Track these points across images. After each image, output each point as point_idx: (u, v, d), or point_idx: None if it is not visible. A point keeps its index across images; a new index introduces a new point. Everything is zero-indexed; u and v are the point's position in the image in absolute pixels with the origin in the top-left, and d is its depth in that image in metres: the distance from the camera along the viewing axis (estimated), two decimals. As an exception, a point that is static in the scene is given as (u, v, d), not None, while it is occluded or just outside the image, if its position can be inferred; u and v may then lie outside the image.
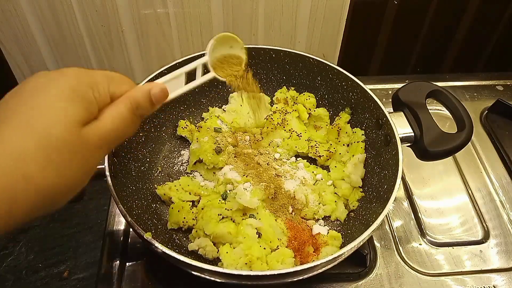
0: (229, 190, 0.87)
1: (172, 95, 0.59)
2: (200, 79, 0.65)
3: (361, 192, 0.90)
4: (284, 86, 1.06)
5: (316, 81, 1.02)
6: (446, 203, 1.00)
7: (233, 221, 0.84)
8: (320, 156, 0.96)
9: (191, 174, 0.96)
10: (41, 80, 0.46)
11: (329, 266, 0.70)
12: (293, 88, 1.06)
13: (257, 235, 0.81)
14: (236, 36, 0.68)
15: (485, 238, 0.94)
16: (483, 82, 1.29)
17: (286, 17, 1.16)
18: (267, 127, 0.98)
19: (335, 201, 0.90)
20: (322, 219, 0.90)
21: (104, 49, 1.18)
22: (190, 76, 0.64)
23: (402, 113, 0.87)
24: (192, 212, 0.86)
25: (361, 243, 0.70)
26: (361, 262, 0.89)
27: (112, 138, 0.48)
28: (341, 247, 0.82)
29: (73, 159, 0.43)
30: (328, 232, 0.85)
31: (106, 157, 0.76)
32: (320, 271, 0.70)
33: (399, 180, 0.76)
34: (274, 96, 1.07)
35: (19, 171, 0.40)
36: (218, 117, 1.02)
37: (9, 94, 0.45)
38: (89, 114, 0.46)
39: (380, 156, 0.89)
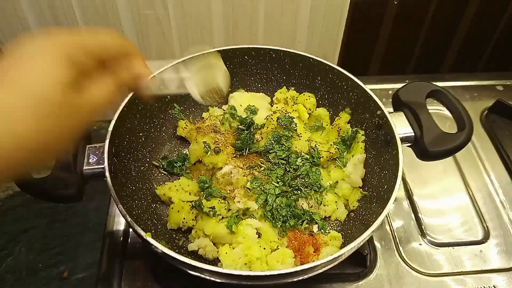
0: (229, 191, 0.87)
1: (157, 91, 0.60)
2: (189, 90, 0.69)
3: (361, 192, 0.90)
4: (284, 86, 1.06)
5: (316, 81, 1.02)
6: (446, 203, 1.00)
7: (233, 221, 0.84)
8: (320, 157, 0.96)
9: (191, 174, 0.96)
10: (29, 47, 0.47)
11: (329, 266, 0.70)
12: (293, 88, 1.05)
13: (257, 235, 0.81)
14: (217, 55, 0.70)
15: (485, 238, 0.94)
16: (483, 82, 1.29)
17: (286, 17, 1.16)
18: (267, 127, 0.98)
19: (335, 201, 0.90)
20: (322, 219, 0.90)
21: (104, 49, 1.18)
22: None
23: (402, 113, 0.87)
24: (192, 213, 0.86)
25: (361, 243, 0.70)
26: (361, 262, 0.89)
27: (100, 108, 0.52)
28: (341, 247, 0.82)
29: (61, 119, 0.45)
30: (328, 232, 0.85)
31: (106, 157, 0.76)
32: (320, 271, 0.70)
33: (399, 180, 0.76)
34: (274, 96, 1.07)
35: (5, 126, 0.41)
36: (218, 117, 1.02)
37: None
38: (78, 77, 0.48)
39: (380, 156, 0.89)
